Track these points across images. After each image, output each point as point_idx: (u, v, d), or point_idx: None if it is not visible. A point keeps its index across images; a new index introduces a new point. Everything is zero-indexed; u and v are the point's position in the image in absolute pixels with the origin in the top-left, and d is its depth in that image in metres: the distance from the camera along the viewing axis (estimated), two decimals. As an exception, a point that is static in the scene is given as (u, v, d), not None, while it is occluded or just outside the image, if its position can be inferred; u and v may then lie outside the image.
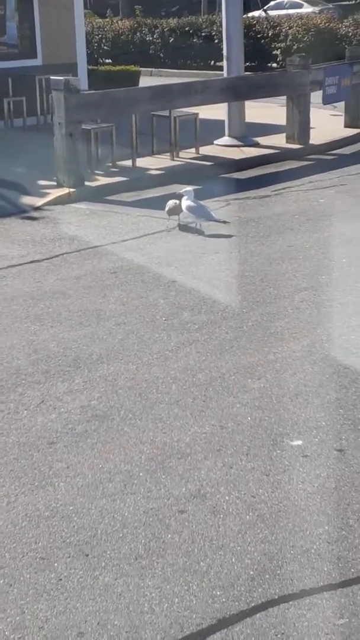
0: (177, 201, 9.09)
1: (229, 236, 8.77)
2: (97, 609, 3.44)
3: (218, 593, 3.52)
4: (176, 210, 9.07)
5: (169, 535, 3.89)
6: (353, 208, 9.81)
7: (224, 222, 9.07)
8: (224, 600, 3.48)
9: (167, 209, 9.12)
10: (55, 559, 3.75)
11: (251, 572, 3.63)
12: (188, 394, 5.29)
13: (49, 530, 3.94)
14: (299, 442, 4.69)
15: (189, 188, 9.14)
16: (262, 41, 24.59)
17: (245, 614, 3.40)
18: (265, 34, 24.73)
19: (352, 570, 3.64)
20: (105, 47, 27.23)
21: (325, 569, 3.64)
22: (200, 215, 9.00)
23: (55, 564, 3.71)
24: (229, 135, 13.48)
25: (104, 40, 27.46)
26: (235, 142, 13.36)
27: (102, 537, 3.89)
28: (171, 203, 9.13)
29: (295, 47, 23.55)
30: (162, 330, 6.31)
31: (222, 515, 4.04)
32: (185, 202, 9.00)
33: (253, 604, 3.45)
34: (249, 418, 4.97)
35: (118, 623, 3.37)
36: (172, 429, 4.86)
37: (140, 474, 4.40)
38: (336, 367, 5.63)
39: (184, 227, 9.02)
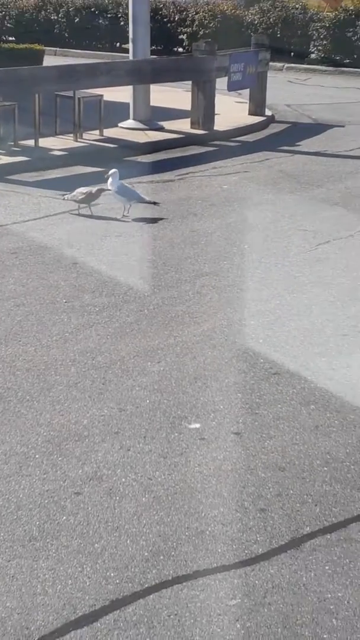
0: (90, 188, 8.90)
1: (129, 222, 8.75)
2: (-11, 592, 3.41)
3: (112, 575, 3.53)
4: (92, 197, 8.83)
5: (64, 517, 3.88)
6: (255, 195, 9.91)
7: (155, 203, 9.13)
8: (117, 581, 3.49)
9: (80, 197, 8.83)
10: None
11: (145, 554, 3.65)
12: (87, 376, 5.28)
13: None
14: (197, 425, 4.73)
15: (114, 170, 8.98)
16: (169, 25, 24.55)
17: (138, 595, 3.42)
18: (171, 18, 24.70)
19: (246, 552, 3.69)
20: (8, 25, 26.77)
21: (219, 551, 3.69)
22: (131, 198, 8.91)
23: None
24: (134, 119, 13.44)
25: (7, 18, 26.99)
26: (140, 125, 13.33)
27: (-4, 519, 3.85)
28: (83, 190, 8.91)
29: (201, 32, 23.59)
30: (62, 312, 6.27)
31: (118, 497, 4.05)
32: (115, 185, 8.85)
33: (147, 585, 3.47)
34: (148, 401, 4.98)
35: (10, 605, 3.34)
36: (69, 412, 4.83)
37: (37, 456, 4.37)
38: (235, 352, 5.69)
39: (85, 212, 8.94)
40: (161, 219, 8.80)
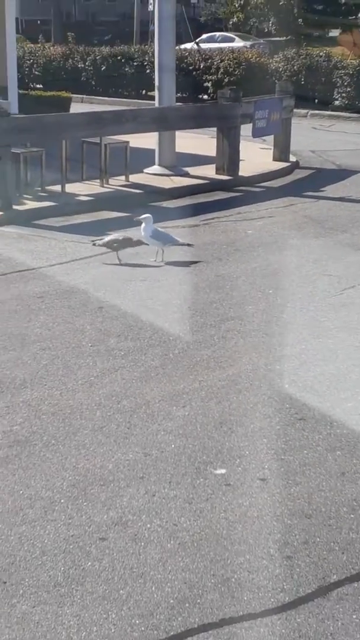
0: (122, 234, 8.91)
1: (160, 266, 8.78)
2: (13, 638, 3.38)
3: (137, 622, 3.49)
4: (126, 244, 8.84)
5: (89, 563, 3.86)
6: (280, 240, 9.93)
7: (189, 244, 9.23)
8: (142, 629, 3.46)
9: (114, 244, 8.81)
10: (-28, 586, 3.68)
11: (171, 601, 3.62)
12: (112, 420, 5.27)
13: (-34, 557, 3.88)
14: (223, 471, 4.70)
15: (147, 215, 9.01)
16: (194, 73, 24.85)
17: (164, 643, 3.38)
18: (197, 66, 25.01)
19: (272, 600, 3.65)
20: (36, 72, 27.21)
21: (246, 599, 3.65)
22: (167, 241, 8.97)
23: (-28, 592, 3.65)
24: (159, 164, 13.56)
25: (35, 65, 27.43)
26: (166, 171, 13.45)
27: (21, 565, 3.84)
28: (118, 236, 8.91)
29: (226, 80, 23.86)
30: (88, 356, 6.29)
31: (143, 543, 4.02)
32: (149, 229, 8.89)
33: (172, 633, 3.44)
34: (173, 446, 4.97)
35: (35, 652, 3.32)
36: (95, 456, 4.82)
37: (62, 501, 4.36)
38: (261, 397, 5.67)
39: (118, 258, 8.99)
40: (186, 263, 8.83)
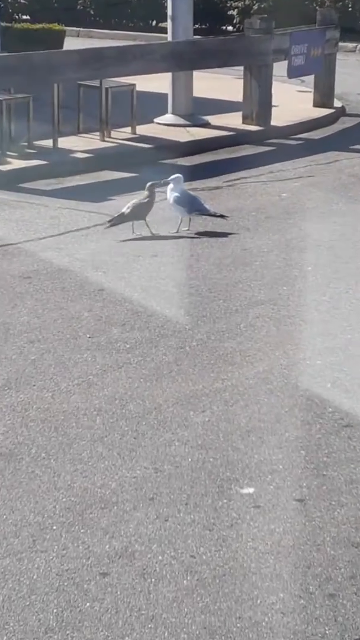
0: (141, 198, 8.85)
1: (175, 238, 8.78)
2: None
3: (146, 675, 3.52)
4: (143, 210, 8.79)
5: (88, 604, 3.88)
6: (322, 205, 9.92)
7: (222, 216, 9.13)
8: None
9: (128, 210, 8.73)
10: None
11: (188, 650, 3.64)
12: (115, 429, 5.29)
13: None
14: (251, 490, 4.72)
15: (177, 175, 9.03)
16: (216, -1, 24.78)
17: None
18: (219, -10, 24.93)
19: (312, 647, 3.67)
20: (22, 1, 27.18)
21: (279, 646, 3.67)
22: (192, 209, 8.95)
23: None
24: (173, 113, 13.54)
25: (21, -8, 27.42)
26: (181, 121, 13.43)
27: (5, 606, 3.86)
28: (136, 202, 8.85)
29: (255, 7, 23.77)
30: (86, 350, 6.31)
31: (153, 580, 4.04)
32: (175, 192, 8.89)
33: None
34: (190, 460, 4.98)
35: None
36: (94, 473, 4.85)
37: (54, 528, 4.38)
38: (297, 399, 5.68)
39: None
40: (207, 234, 8.83)
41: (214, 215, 9.08)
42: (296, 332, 6.66)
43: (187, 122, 13.41)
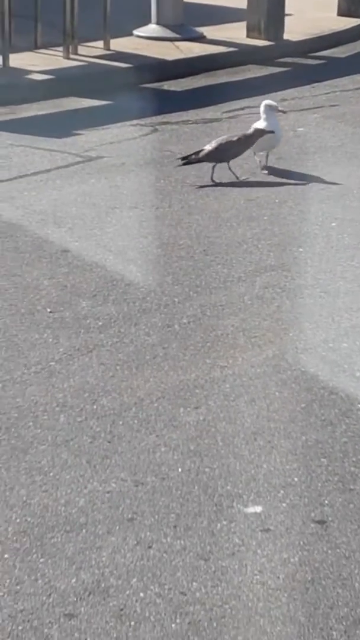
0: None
1: (161, 187, 8.78)
2: None
3: None
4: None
5: (50, 654, 3.90)
6: (349, 142, 9.92)
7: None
8: None
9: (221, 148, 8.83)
10: None
11: None
12: (84, 430, 5.29)
13: None
14: (257, 509, 4.73)
15: (270, 102, 9.18)
16: None
17: None
18: None
19: None
20: None
21: None
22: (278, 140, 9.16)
23: None
24: (158, 23, 13.52)
25: None
26: (168, 33, 13.42)
27: None
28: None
29: None
30: (46, 328, 6.31)
31: (133, 623, 4.04)
32: (270, 123, 9.02)
33: None
34: (180, 469, 4.99)
35: None
36: (57, 486, 4.85)
37: (5, 556, 4.38)
38: (317, 392, 5.69)
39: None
40: (200, 180, 8.82)
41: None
42: (316, 307, 6.67)
43: (176, 35, 13.39)
